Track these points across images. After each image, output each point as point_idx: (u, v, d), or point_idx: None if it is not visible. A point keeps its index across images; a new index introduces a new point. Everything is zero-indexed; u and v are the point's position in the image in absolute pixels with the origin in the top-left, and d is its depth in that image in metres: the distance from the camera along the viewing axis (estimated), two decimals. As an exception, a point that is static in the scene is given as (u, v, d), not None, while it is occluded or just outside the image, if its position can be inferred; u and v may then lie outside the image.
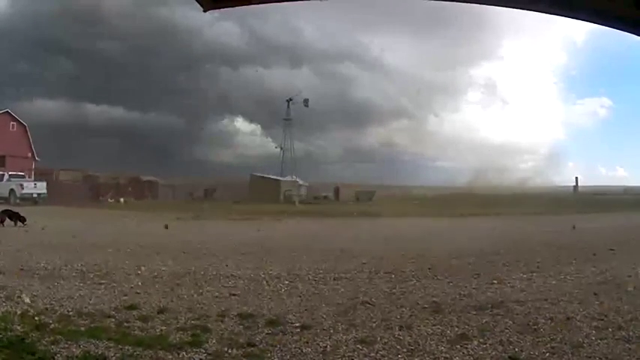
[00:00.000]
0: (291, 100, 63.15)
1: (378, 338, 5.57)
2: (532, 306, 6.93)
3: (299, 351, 5.20)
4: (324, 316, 6.50)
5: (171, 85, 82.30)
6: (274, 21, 76.59)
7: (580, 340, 5.46)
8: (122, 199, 45.03)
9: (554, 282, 8.68)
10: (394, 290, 8.07)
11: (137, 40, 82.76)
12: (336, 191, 54.39)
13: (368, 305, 7.09)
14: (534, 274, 9.40)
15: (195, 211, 30.92)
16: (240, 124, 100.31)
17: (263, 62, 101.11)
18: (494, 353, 5.14)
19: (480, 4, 4.35)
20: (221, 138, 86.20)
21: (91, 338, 5.25)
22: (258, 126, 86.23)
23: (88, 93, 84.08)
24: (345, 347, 5.29)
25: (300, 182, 56.47)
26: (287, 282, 8.68)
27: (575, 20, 4.40)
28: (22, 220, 18.06)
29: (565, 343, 5.34)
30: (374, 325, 6.11)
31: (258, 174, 56.43)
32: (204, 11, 4.27)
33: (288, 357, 5.05)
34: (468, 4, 4.40)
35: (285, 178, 56.52)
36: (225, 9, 4.57)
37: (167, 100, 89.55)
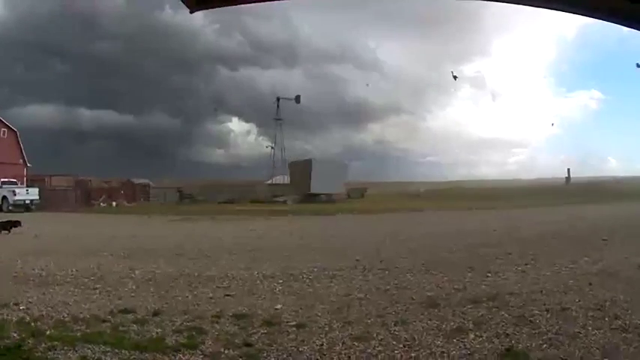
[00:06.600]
0: (279, 99, 63.08)
1: (374, 334, 5.60)
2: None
3: (295, 350, 5.22)
4: (320, 314, 6.51)
5: (165, 87, 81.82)
6: (270, 21, 76.41)
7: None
8: (114, 203, 44.83)
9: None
10: (388, 286, 8.11)
11: (129, 41, 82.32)
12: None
13: (363, 302, 7.12)
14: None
15: (183, 212, 30.97)
16: (235, 124, 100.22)
17: (258, 62, 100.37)
18: (490, 346, 5.19)
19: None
20: (214, 139, 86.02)
21: (88, 343, 5.24)
22: (253, 126, 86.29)
23: (80, 97, 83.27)
24: (341, 344, 5.31)
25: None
26: (281, 281, 8.69)
27: (567, 14, 4.41)
28: (17, 225, 18.00)
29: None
30: (369, 321, 6.13)
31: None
32: (191, 12, 4.27)
33: (285, 356, 5.05)
34: (464, 0, 4.38)
35: (276, 178, 56.41)
36: (212, 9, 4.57)
37: (160, 103, 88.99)
